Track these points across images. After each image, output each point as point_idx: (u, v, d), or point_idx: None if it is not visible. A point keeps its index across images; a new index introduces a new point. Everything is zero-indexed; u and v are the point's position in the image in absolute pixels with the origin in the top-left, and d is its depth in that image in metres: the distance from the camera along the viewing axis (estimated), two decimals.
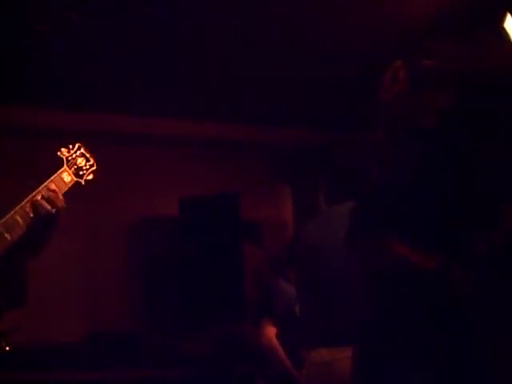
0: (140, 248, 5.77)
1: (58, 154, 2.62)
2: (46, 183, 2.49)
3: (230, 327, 5.42)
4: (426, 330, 2.10)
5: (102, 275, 5.59)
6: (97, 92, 5.09)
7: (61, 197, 2.49)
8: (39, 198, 2.44)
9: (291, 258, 4.65)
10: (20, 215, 2.40)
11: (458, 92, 2.36)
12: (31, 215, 2.42)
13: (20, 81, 4.80)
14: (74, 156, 2.64)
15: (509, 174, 2.28)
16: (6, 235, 2.38)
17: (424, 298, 2.10)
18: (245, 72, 4.94)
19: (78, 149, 2.68)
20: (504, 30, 4.13)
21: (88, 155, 2.69)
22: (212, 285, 5.41)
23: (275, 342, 4.41)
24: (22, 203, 2.43)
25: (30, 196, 2.45)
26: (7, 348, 2.37)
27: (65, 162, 2.61)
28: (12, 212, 2.41)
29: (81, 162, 2.64)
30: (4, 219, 2.39)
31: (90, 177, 2.66)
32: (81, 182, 2.62)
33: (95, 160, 2.70)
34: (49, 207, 2.43)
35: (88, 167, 2.67)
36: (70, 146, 2.67)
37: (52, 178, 2.52)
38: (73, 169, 2.61)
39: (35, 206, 2.42)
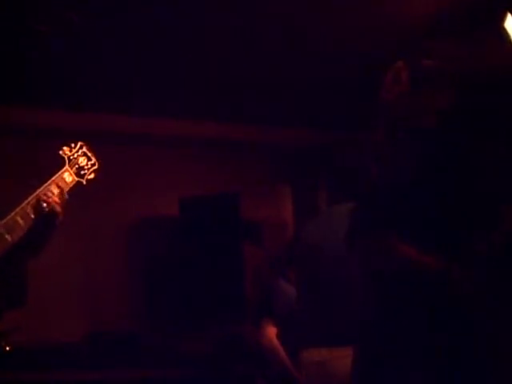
0: (140, 248, 5.77)
1: (60, 153, 2.62)
2: (47, 184, 2.49)
3: (230, 327, 5.42)
4: (426, 330, 2.10)
5: (102, 275, 5.59)
6: (97, 92, 5.09)
7: (66, 196, 2.48)
8: (40, 198, 2.44)
9: (291, 257, 4.65)
10: (21, 216, 2.40)
11: (457, 92, 2.36)
12: (32, 216, 2.41)
13: (20, 81, 4.80)
14: (75, 155, 2.64)
15: (509, 173, 2.28)
16: (6, 236, 2.38)
17: (424, 297, 2.10)
18: (245, 72, 4.94)
19: (80, 148, 2.67)
20: (504, 29, 4.12)
21: (90, 154, 2.68)
22: (212, 285, 5.41)
23: (275, 342, 4.41)
24: (23, 204, 2.42)
25: (31, 197, 2.44)
26: (7, 348, 2.37)
27: (66, 161, 2.61)
28: (13, 213, 2.40)
29: (82, 161, 2.64)
30: (5, 220, 2.39)
31: (92, 176, 2.66)
32: (82, 182, 2.62)
33: (97, 159, 2.69)
34: (50, 208, 2.43)
35: (89, 166, 2.66)
36: (72, 145, 2.66)
37: (53, 178, 2.52)
38: (74, 168, 2.61)
39: (36, 206, 2.42)
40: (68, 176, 2.57)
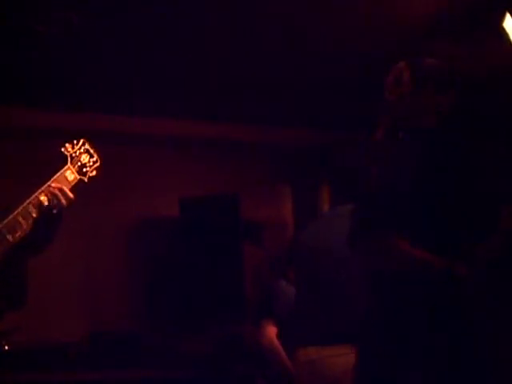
0: (140, 248, 5.77)
1: (62, 150, 2.60)
2: (49, 182, 2.48)
3: (230, 327, 5.42)
4: (426, 330, 2.10)
5: (102, 275, 5.59)
6: (97, 92, 5.09)
7: (69, 194, 2.47)
8: (42, 197, 2.43)
9: (291, 258, 4.65)
10: (22, 216, 2.39)
11: (458, 92, 2.36)
12: (34, 216, 2.41)
13: (20, 81, 4.80)
14: (77, 153, 2.62)
15: (509, 173, 2.28)
16: (8, 236, 2.37)
17: (424, 297, 2.10)
18: (245, 72, 4.94)
19: (83, 144, 2.65)
20: (503, 29, 4.12)
21: (92, 151, 2.66)
22: (212, 285, 5.41)
23: (276, 342, 4.41)
24: (25, 204, 2.42)
25: (33, 196, 2.43)
26: (6, 348, 2.37)
27: (69, 159, 2.59)
28: (14, 213, 2.39)
29: (84, 158, 2.62)
30: (6, 220, 2.38)
31: (94, 173, 2.64)
32: (84, 180, 2.61)
33: (99, 156, 2.68)
34: (52, 206, 2.42)
35: (92, 164, 2.64)
36: (75, 142, 2.64)
37: (55, 176, 2.51)
38: (76, 166, 2.59)
39: (38, 205, 2.41)
40: (70, 174, 2.55)
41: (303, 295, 3.62)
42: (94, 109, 5.41)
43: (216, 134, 5.94)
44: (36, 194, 2.44)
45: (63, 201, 2.44)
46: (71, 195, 2.47)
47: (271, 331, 4.44)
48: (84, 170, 2.61)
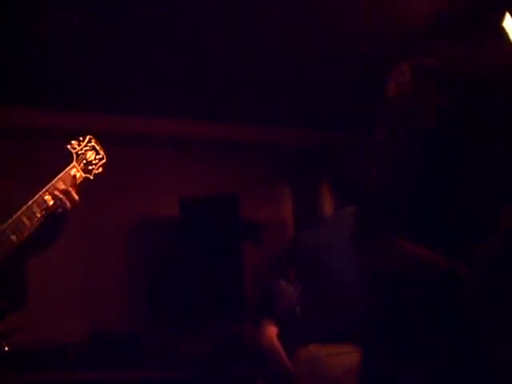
0: (140, 248, 5.77)
1: (68, 147, 2.57)
2: (53, 181, 2.45)
3: (230, 327, 5.42)
4: (426, 330, 2.10)
5: (102, 275, 5.58)
6: (97, 92, 5.09)
7: (74, 196, 2.45)
8: (47, 197, 2.41)
9: (291, 258, 4.66)
10: (26, 216, 2.37)
11: (458, 92, 2.36)
12: (38, 215, 2.38)
13: (20, 81, 4.80)
14: (83, 150, 2.59)
15: (509, 173, 2.28)
16: (12, 237, 2.35)
17: (425, 297, 2.10)
18: (245, 72, 4.93)
19: (89, 141, 2.62)
20: (503, 29, 4.12)
21: (98, 148, 2.63)
22: (212, 285, 5.41)
23: (276, 342, 4.42)
24: (29, 203, 2.39)
25: (37, 195, 2.41)
26: (6, 348, 2.36)
27: (74, 157, 2.56)
28: (18, 213, 2.37)
29: (90, 155, 2.59)
30: (10, 220, 2.36)
31: (100, 170, 2.61)
32: (90, 177, 2.58)
33: (105, 152, 2.65)
34: (57, 206, 2.41)
35: (97, 161, 2.61)
36: (81, 139, 2.61)
37: (60, 175, 2.48)
38: (82, 164, 2.56)
39: (43, 205, 2.39)
40: (75, 172, 2.52)
41: (304, 294, 3.63)
42: (94, 109, 5.41)
43: (216, 134, 5.94)
44: (40, 193, 2.41)
45: (68, 203, 2.42)
46: (76, 197, 2.45)
47: (271, 331, 4.44)
48: (90, 167, 2.58)
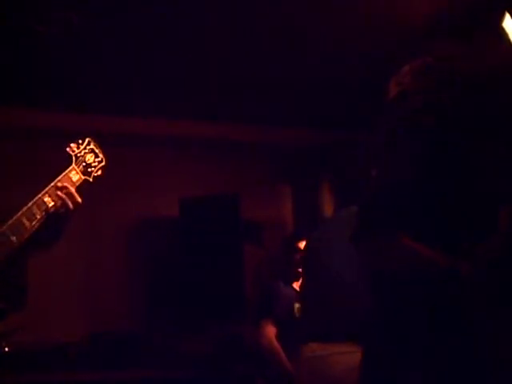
0: (140, 248, 5.77)
1: (68, 150, 2.58)
2: (53, 183, 2.46)
3: (230, 327, 5.42)
4: (426, 330, 2.10)
5: (102, 275, 5.59)
6: (97, 92, 5.09)
7: (71, 194, 2.45)
8: (46, 199, 2.42)
9: (289, 258, 4.67)
10: (26, 217, 2.38)
11: (458, 92, 2.36)
12: (38, 217, 2.39)
13: (20, 81, 4.80)
14: (83, 152, 2.60)
15: (509, 174, 2.28)
16: (12, 238, 2.36)
17: (425, 297, 2.10)
18: (245, 72, 4.94)
19: (88, 144, 2.63)
20: (503, 29, 4.13)
21: (97, 150, 2.64)
22: (212, 285, 5.41)
23: (275, 342, 4.42)
24: (29, 204, 2.40)
25: (37, 197, 2.42)
26: (6, 348, 2.37)
27: (73, 159, 2.57)
28: (18, 214, 2.38)
29: (89, 158, 2.60)
30: (10, 222, 2.37)
31: (99, 173, 2.62)
32: (89, 180, 2.58)
33: (104, 155, 2.65)
34: (56, 207, 2.41)
35: (97, 163, 2.62)
36: (80, 141, 2.62)
37: (59, 177, 2.49)
38: (81, 166, 2.56)
39: (42, 207, 2.40)
40: (74, 175, 2.53)
41: (305, 293, 3.64)
42: (94, 109, 5.41)
43: (216, 134, 5.94)
44: (40, 194, 2.42)
45: (70, 204, 2.43)
46: (78, 198, 2.45)
47: (271, 331, 4.45)
48: (89, 169, 2.58)
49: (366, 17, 4.22)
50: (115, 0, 3.96)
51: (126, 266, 5.71)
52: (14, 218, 2.37)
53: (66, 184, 2.46)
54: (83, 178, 2.55)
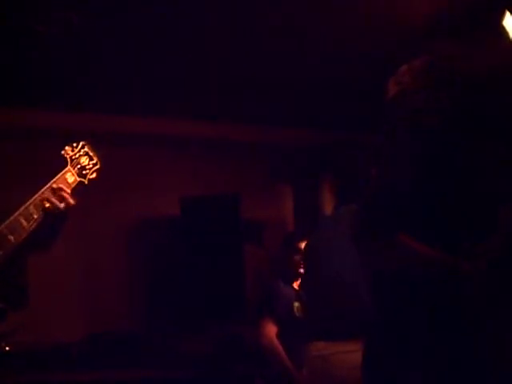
0: (140, 248, 5.77)
1: (62, 153, 2.63)
2: (49, 184, 2.50)
3: (230, 327, 5.42)
4: (426, 330, 2.10)
5: (103, 275, 5.59)
6: (97, 92, 5.09)
7: (66, 195, 2.49)
8: (42, 199, 2.45)
9: (288, 258, 4.68)
10: (24, 217, 2.41)
11: (458, 92, 2.36)
12: (35, 216, 2.43)
13: (20, 81, 4.80)
14: (77, 155, 2.65)
15: (509, 173, 2.28)
16: (9, 237, 2.39)
17: (425, 297, 2.10)
18: (245, 72, 4.94)
19: (82, 147, 2.68)
20: (503, 28, 4.13)
21: (92, 154, 2.69)
22: (212, 285, 5.41)
23: (276, 342, 4.43)
24: (26, 205, 2.44)
25: (34, 198, 2.46)
26: (7, 348, 2.38)
27: (69, 161, 2.61)
28: (16, 214, 2.42)
29: (84, 160, 2.65)
30: (8, 221, 2.40)
31: (94, 175, 2.66)
32: (84, 182, 2.63)
33: (99, 159, 2.70)
34: (53, 208, 2.44)
35: (91, 166, 2.67)
36: (74, 145, 2.67)
37: (55, 178, 2.53)
38: (76, 168, 2.61)
39: (39, 207, 2.43)
40: (70, 176, 2.58)
41: (309, 293, 3.66)
42: (94, 109, 5.42)
43: (216, 134, 5.94)
44: (36, 195, 2.46)
45: (63, 205, 2.46)
46: (71, 201, 2.49)
47: (271, 331, 4.45)
48: (84, 172, 2.63)
49: (366, 17, 4.22)
50: (115, 0, 3.96)
51: (126, 266, 5.71)
52: (12, 217, 2.40)
53: (61, 185, 2.51)
54: (78, 179, 2.60)
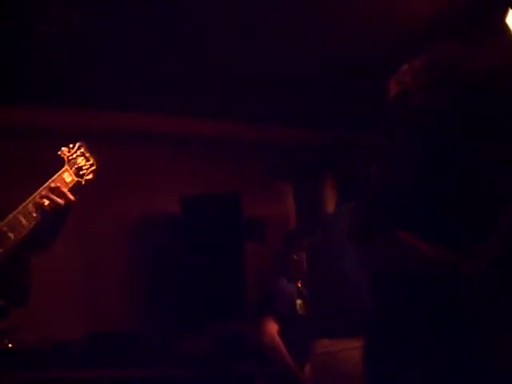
0: (141, 247, 5.77)
1: (59, 153, 2.65)
2: (47, 183, 2.52)
3: (231, 324, 5.42)
4: (426, 330, 2.10)
5: (103, 275, 5.58)
6: (97, 91, 5.09)
7: (66, 191, 2.51)
8: (41, 198, 2.47)
9: (288, 256, 4.69)
10: (23, 215, 2.43)
11: (458, 92, 2.36)
12: (34, 215, 2.44)
13: (20, 80, 4.80)
14: (74, 156, 2.67)
15: (509, 173, 2.28)
16: (9, 234, 2.40)
17: (425, 297, 2.10)
18: (245, 72, 4.94)
19: (79, 148, 2.71)
20: (506, 25, 4.13)
21: (88, 155, 2.71)
22: (213, 283, 5.41)
23: (277, 339, 4.43)
24: (25, 203, 2.46)
25: (32, 196, 2.47)
26: (10, 345, 2.39)
27: (66, 161, 2.63)
28: (15, 212, 2.43)
29: (81, 161, 2.67)
30: (7, 219, 2.42)
31: (90, 176, 2.69)
32: (81, 182, 2.65)
33: (95, 160, 2.72)
34: (51, 206, 2.45)
35: (88, 167, 2.69)
36: (71, 146, 2.69)
37: (53, 178, 2.55)
38: (73, 168, 2.64)
39: (38, 206, 2.44)
40: (68, 176, 2.61)
41: (313, 290, 3.68)
42: (95, 107, 5.42)
43: (216, 133, 5.94)
44: (35, 194, 2.48)
45: (64, 203, 2.47)
46: (71, 197, 2.51)
47: (273, 328, 4.46)
48: (81, 172, 2.66)
49: (366, 17, 4.23)
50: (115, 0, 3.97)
51: (126, 265, 5.71)
52: (11, 215, 2.42)
53: (59, 184, 2.53)
54: (76, 179, 2.63)
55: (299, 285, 4.60)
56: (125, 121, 5.66)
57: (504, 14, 4.09)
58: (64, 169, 2.62)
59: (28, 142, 5.37)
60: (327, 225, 3.62)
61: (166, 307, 5.56)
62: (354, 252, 2.41)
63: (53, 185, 2.53)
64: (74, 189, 2.62)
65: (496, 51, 4.35)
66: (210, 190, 5.64)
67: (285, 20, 4.25)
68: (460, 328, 2.08)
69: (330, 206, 3.97)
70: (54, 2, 3.91)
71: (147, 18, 4.15)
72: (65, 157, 2.66)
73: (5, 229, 2.41)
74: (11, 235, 2.41)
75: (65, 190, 2.54)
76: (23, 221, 2.43)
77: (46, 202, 2.48)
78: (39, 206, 2.47)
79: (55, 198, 2.49)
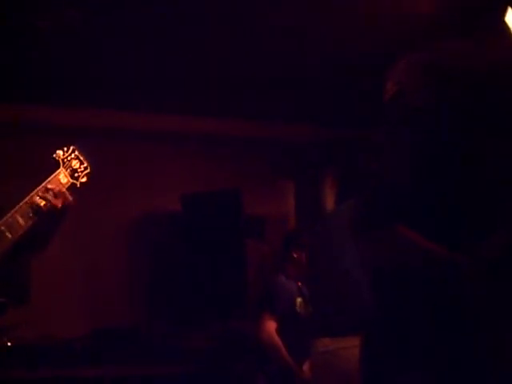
0: (142, 246, 5.77)
1: (54, 156, 2.68)
2: (43, 184, 2.54)
3: (231, 323, 5.42)
4: (427, 330, 2.10)
5: (104, 273, 5.58)
6: (97, 89, 5.10)
7: (63, 190, 2.53)
8: (37, 198, 2.48)
9: (288, 253, 4.69)
10: (20, 214, 2.45)
11: (458, 91, 2.36)
12: (31, 215, 2.45)
13: (20, 79, 4.80)
14: (69, 158, 2.70)
15: (509, 173, 2.27)
16: (6, 233, 2.41)
17: (425, 296, 2.10)
18: (245, 72, 4.94)
19: (73, 151, 2.74)
20: (506, 24, 4.12)
21: (82, 158, 2.74)
22: (214, 281, 5.41)
23: (276, 337, 4.44)
24: (21, 203, 2.47)
25: (29, 196, 2.49)
26: (9, 343, 2.40)
27: (61, 163, 2.66)
28: (12, 211, 2.44)
29: (75, 164, 2.71)
30: (5, 218, 2.43)
31: (84, 179, 2.72)
32: (76, 184, 2.68)
33: (89, 163, 2.76)
34: (47, 207, 2.47)
35: (82, 169, 2.73)
36: (65, 149, 2.73)
37: (49, 179, 2.58)
38: (69, 170, 2.66)
39: (34, 206, 2.46)
40: (63, 177, 2.64)
41: (313, 289, 3.69)
42: (95, 106, 5.42)
43: (217, 130, 5.94)
44: (32, 194, 2.50)
45: (61, 203, 2.49)
46: (69, 197, 2.53)
47: (271, 326, 4.46)
48: (76, 174, 2.70)
49: (366, 17, 4.23)
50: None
51: (127, 263, 5.71)
52: (9, 215, 2.44)
53: (55, 186, 2.55)
54: (71, 181, 2.67)
55: (299, 283, 4.61)
56: (125, 119, 5.67)
57: (503, 13, 4.09)
58: (59, 170, 2.66)
59: (27, 140, 5.37)
60: (327, 222, 3.63)
61: (167, 305, 5.57)
62: (354, 251, 2.41)
63: (49, 186, 2.56)
64: (70, 190, 2.64)
65: (496, 51, 4.35)
66: (211, 187, 5.64)
67: (285, 20, 4.26)
68: (460, 328, 2.08)
69: (330, 203, 3.98)
70: (54, 1, 3.92)
71: (147, 18, 4.16)
72: (60, 159, 2.69)
73: (3, 228, 2.42)
74: (9, 235, 2.43)
75: (61, 191, 2.56)
76: (20, 220, 2.45)
77: (43, 203, 2.50)
78: (36, 207, 2.49)
79: (52, 198, 2.51)
